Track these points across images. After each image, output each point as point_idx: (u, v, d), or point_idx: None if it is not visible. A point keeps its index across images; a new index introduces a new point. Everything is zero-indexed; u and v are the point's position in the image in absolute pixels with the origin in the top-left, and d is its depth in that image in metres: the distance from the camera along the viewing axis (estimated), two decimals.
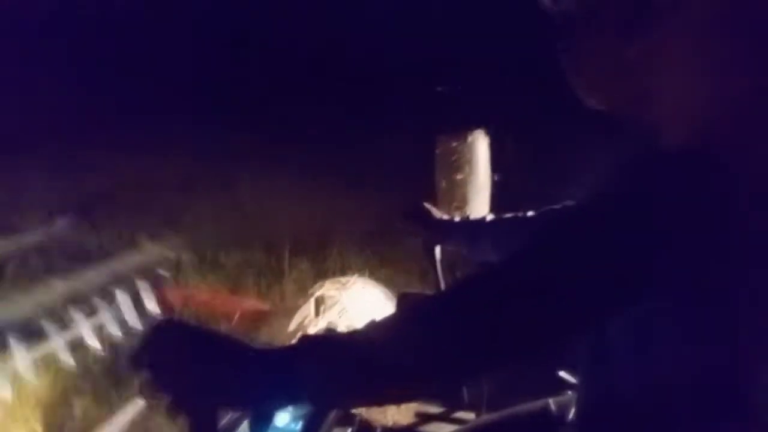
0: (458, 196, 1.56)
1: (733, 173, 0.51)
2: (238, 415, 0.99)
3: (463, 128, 1.58)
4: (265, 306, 2.76)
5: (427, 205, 1.38)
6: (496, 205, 1.55)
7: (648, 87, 0.56)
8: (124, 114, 4.98)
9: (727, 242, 0.54)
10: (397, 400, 0.78)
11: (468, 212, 1.54)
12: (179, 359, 0.72)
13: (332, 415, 0.91)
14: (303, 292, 2.33)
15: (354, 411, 1.01)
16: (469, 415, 1.22)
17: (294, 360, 0.70)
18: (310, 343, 0.72)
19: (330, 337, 0.74)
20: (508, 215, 1.30)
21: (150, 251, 3.21)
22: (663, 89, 0.54)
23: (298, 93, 4.59)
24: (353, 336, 0.74)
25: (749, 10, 0.48)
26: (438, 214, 1.37)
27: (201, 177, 4.35)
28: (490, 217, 1.34)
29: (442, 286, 1.36)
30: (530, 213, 1.25)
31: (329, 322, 1.84)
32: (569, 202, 1.18)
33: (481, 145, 1.57)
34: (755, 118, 0.50)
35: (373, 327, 0.74)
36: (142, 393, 0.71)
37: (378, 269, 2.84)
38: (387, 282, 2.09)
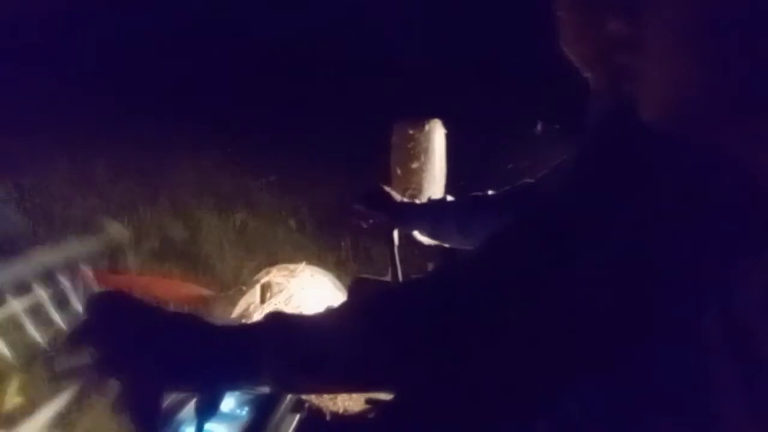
0: (413, 185, 1.55)
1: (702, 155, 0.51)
2: (180, 397, 0.95)
3: (420, 116, 1.57)
4: (206, 291, 2.68)
5: (387, 189, 1.36)
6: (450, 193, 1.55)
7: (630, 64, 0.55)
8: (58, 104, 4.74)
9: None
10: (355, 391, 0.75)
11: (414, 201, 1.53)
12: (126, 337, 0.67)
13: (286, 401, 0.88)
14: (247, 278, 2.27)
15: (304, 397, 0.98)
16: None
17: (256, 339, 0.67)
18: (274, 322, 0.68)
19: (294, 319, 0.70)
20: (470, 195, 1.30)
21: (86, 239, 3.07)
22: (644, 67, 0.53)
23: (247, 78, 4.48)
24: (316, 321, 0.71)
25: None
26: (398, 197, 1.35)
27: (142, 163, 4.20)
28: (450, 198, 1.33)
29: (398, 270, 1.34)
30: (491, 192, 1.26)
31: (275, 309, 1.80)
32: (529, 180, 1.19)
33: (437, 134, 1.57)
34: (734, 105, 0.50)
35: (335, 315, 0.72)
36: (81, 376, 0.65)
37: (327, 256, 2.80)
38: (336, 269, 2.06)
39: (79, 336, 0.66)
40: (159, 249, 3.30)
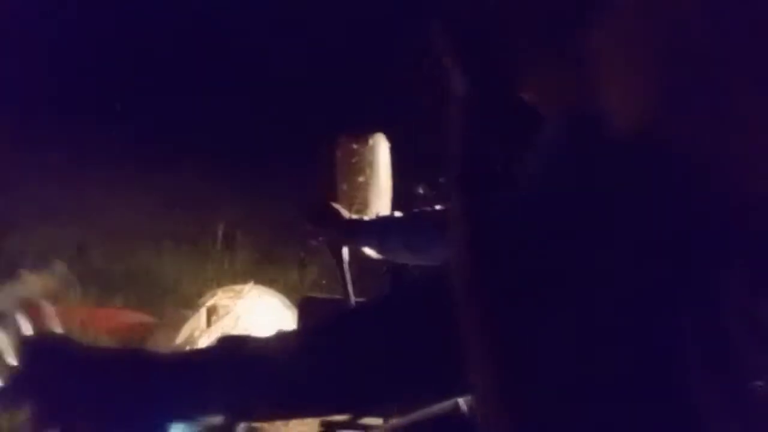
0: (359, 199, 1.54)
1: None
2: None
3: (364, 130, 1.56)
4: (148, 318, 2.58)
5: (335, 205, 1.34)
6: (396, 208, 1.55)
7: (592, 78, 0.55)
8: None
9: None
10: (309, 416, 0.73)
11: (369, 216, 1.52)
12: (64, 383, 0.62)
13: (237, 429, 0.85)
14: (192, 302, 2.20)
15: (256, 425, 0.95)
16: (376, 421, 1.18)
17: (205, 367, 0.64)
18: (223, 347, 0.65)
19: (245, 343, 0.68)
20: (416, 210, 1.29)
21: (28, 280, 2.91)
22: (608, 80, 0.54)
23: (186, 93, 4.39)
24: (268, 344, 0.68)
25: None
26: (346, 213, 1.34)
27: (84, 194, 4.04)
28: (398, 214, 1.33)
29: (350, 288, 1.32)
30: (438, 207, 1.26)
31: (222, 333, 1.74)
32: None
33: (382, 148, 1.56)
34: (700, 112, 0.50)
35: (287, 338, 0.70)
36: (23, 429, 0.61)
37: (273, 275, 2.75)
38: (283, 288, 2.02)
39: (14, 388, 0.61)
40: (103, 279, 3.17)
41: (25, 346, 0.64)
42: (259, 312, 1.82)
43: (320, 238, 1.37)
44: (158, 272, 3.31)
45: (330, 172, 1.56)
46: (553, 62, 0.73)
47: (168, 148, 3.96)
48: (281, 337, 0.71)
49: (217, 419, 0.66)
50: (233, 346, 0.67)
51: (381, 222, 1.33)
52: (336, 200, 1.54)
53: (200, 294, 2.24)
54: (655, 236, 0.51)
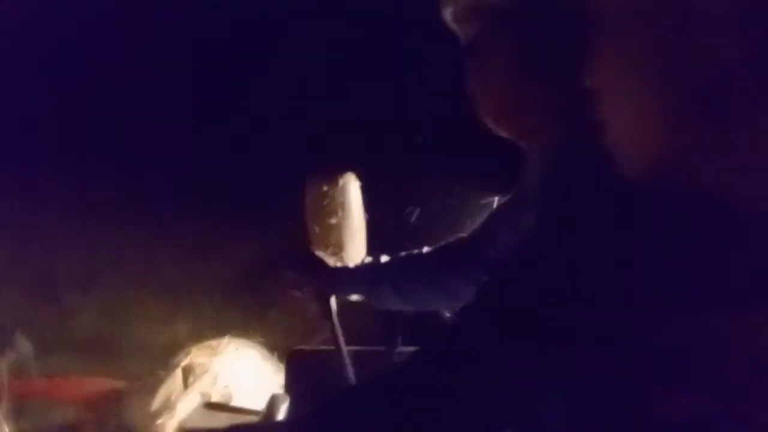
0: (333, 241, 1.50)
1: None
2: None
3: (333, 171, 1.54)
4: (119, 384, 2.46)
5: (319, 253, 1.30)
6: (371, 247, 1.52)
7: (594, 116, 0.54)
8: None
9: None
10: None
11: (345, 257, 1.49)
12: None
13: None
14: (164, 363, 2.11)
15: None
16: None
17: None
18: None
19: None
20: (404, 254, 1.26)
21: None
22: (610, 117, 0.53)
23: (149, 133, 4.27)
24: None
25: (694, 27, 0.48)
26: (331, 262, 1.29)
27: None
28: (384, 258, 1.29)
29: (341, 339, 1.27)
30: (426, 249, 1.23)
31: (201, 393, 1.66)
32: (462, 235, 1.18)
33: (352, 187, 1.54)
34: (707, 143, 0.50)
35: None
36: None
37: (248, 327, 2.67)
38: (265, 339, 1.95)
39: None
40: (69, 346, 3.02)
41: None
42: (239, 368, 1.75)
43: (304, 289, 1.31)
44: (120, 331, 3.18)
45: (300, 216, 1.52)
46: (550, 97, 0.73)
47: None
48: (284, 425, 0.70)
49: None
50: None
51: (368, 269, 1.29)
52: (308, 243, 1.50)
53: (172, 353, 2.15)
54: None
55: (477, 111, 0.88)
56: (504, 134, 0.88)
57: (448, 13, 0.86)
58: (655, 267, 0.52)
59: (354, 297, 1.28)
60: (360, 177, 1.53)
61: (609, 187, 0.56)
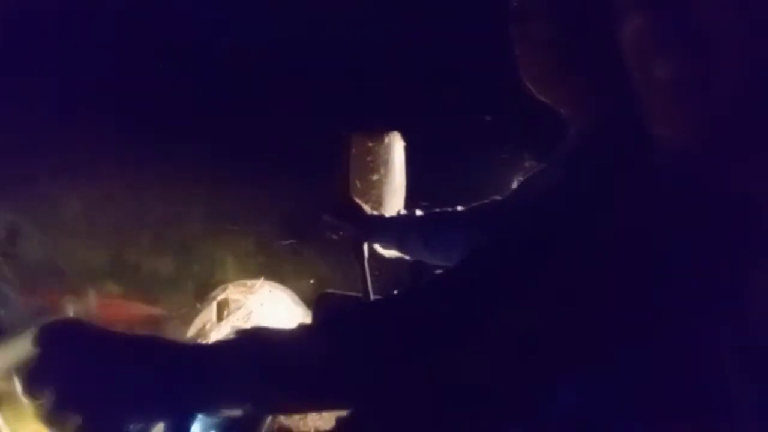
0: (373, 197, 1.54)
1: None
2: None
3: (379, 128, 1.57)
4: (157, 311, 2.59)
5: (358, 200, 1.35)
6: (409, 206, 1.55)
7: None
8: None
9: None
10: (330, 408, 0.73)
11: (383, 213, 1.53)
12: (85, 367, 0.62)
13: (258, 423, 0.85)
14: (202, 297, 2.21)
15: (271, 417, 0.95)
16: None
17: (229, 357, 0.64)
18: (246, 338, 0.66)
19: (268, 335, 0.68)
20: (437, 210, 1.30)
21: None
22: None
23: (198, 87, 4.37)
24: (291, 337, 0.69)
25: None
26: (368, 210, 1.34)
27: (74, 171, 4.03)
28: (419, 212, 1.33)
29: (369, 285, 1.33)
30: (459, 208, 1.26)
31: (234, 327, 1.75)
32: (496, 197, 1.20)
33: (397, 146, 1.57)
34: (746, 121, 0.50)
35: (309, 330, 0.70)
36: (44, 419, 0.61)
37: (282, 273, 2.76)
38: (293, 286, 2.02)
39: (35, 372, 0.61)
40: (109, 269, 3.18)
41: (43, 331, 0.64)
42: (271, 307, 1.83)
43: (340, 233, 1.37)
44: (161, 264, 3.31)
45: (344, 169, 1.56)
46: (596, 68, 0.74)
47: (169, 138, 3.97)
48: (303, 328, 0.72)
49: (239, 411, 0.67)
50: (255, 338, 0.68)
51: (402, 220, 1.34)
52: (348, 193, 1.54)
53: (209, 289, 2.25)
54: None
55: (522, 75, 0.90)
56: (546, 100, 0.90)
57: None
58: (680, 250, 0.53)
59: (385, 246, 1.33)
60: (404, 137, 1.56)
61: (641, 163, 0.57)
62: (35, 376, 0.61)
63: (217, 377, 0.64)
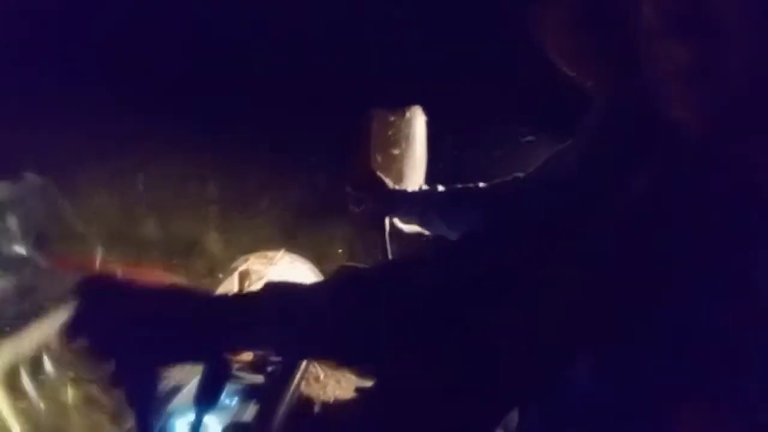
0: (394, 171, 1.55)
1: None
2: (171, 386, 0.94)
3: (400, 103, 1.56)
4: (181, 280, 2.64)
5: (380, 174, 1.36)
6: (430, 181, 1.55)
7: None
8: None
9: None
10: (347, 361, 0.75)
11: (403, 188, 1.53)
12: (121, 315, 0.66)
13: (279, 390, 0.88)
14: (223, 267, 2.24)
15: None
16: None
17: (253, 304, 0.67)
18: (269, 289, 0.69)
19: (289, 287, 0.71)
20: (459, 186, 1.31)
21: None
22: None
23: (221, 65, 4.39)
24: (311, 288, 0.71)
25: None
26: (390, 183, 1.35)
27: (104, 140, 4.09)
28: (441, 188, 1.34)
29: (390, 259, 1.35)
30: (481, 184, 1.27)
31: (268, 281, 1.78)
32: (518, 174, 1.20)
33: (418, 121, 1.56)
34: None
35: (328, 283, 0.72)
36: (81, 367, 0.65)
37: (304, 245, 2.79)
38: (314, 259, 2.05)
39: (77, 323, 0.65)
40: (133, 239, 3.24)
41: (80, 285, 0.68)
42: (291, 278, 1.85)
43: (362, 206, 1.39)
44: (184, 235, 3.37)
45: (365, 144, 1.57)
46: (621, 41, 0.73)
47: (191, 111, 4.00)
48: (323, 282, 0.74)
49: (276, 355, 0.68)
50: (278, 289, 0.70)
51: (423, 195, 1.35)
52: (370, 167, 1.55)
53: (230, 258, 2.28)
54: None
55: (546, 49, 0.89)
56: (572, 73, 0.89)
57: None
58: (700, 232, 0.53)
59: (406, 221, 1.34)
60: (427, 112, 1.56)
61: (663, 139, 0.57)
62: (75, 325, 0.65)
63: (242, 323, 0.67)
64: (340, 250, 2.81)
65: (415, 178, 1.54)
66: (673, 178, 0.56)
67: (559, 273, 0.61)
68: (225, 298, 0.73)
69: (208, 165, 3.81)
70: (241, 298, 0.74)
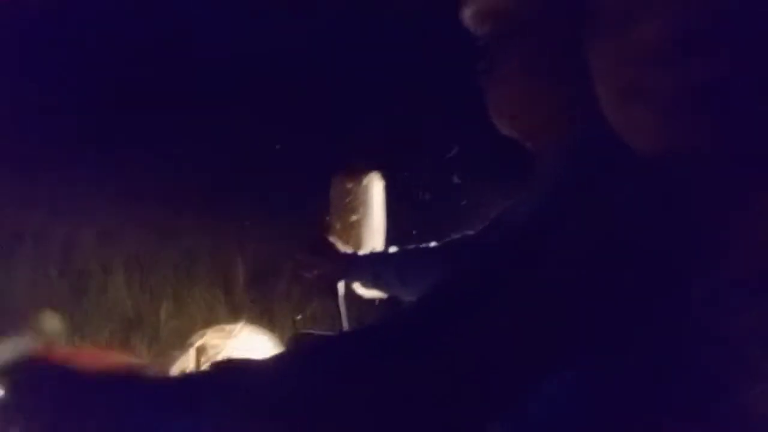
0: (352, 238, 1.54)
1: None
2: None
3: (358, 169, 1.58)
4: (135, 359, 2.53)
5: (331, 239, 1.35)
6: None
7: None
8: None
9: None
10: None
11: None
12: (55, 403, 0.62)
13: None
14: (180, 343, 2.16)
15: None
16: None
17: (196, 385, 0.64)
18: (215, 368, 0.65)
19: (236, 365, 0.68)
20: (412, 246, 1.31)
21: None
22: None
23: (179, 121, 4.38)
24: (258, 366, 0.68)
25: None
26: (343, 248, 1.34)
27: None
28: (393, 249, 1.34)
29: (345, 324, 1.32)
30: (433, 244, 1.27)
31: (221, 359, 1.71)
32: (469, 232, 1.21)
33: (376, 187, 1.58)
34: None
35: (277, 359, 0.69)
36: None
37: (261, 316, 2.72)
38: (272, 329, 2.00)
39: (8, 412, 0.61)
40: (90, 317, 3.11)
41: (14, 374, 0.64)
42: (251, 352, 1.79)
43: (315, 272, 1.37)
44: (135, 309, 3.26)
45: (323, 211, 1.57)
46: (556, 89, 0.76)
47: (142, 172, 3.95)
48: (271, 358, 0.71)
49: None
50: (224, 368, 0.67)
51: (376, 256, 1.34)
52: (325, 233, 1.55)
53: (187, 335, 2.20)
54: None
55: (489, 110, 0.91)
56: (513, 133, 0.91)
57: (466, 16, 0.91)
58: (670, 248, 0.53)
59: (363, 284, 1.33)
60: (384, 176, 1.57)
61: (622, 172, 0.58)
62: (8, 410, 0.61)
63: (183, 405, 0.63)
64: (299, 317, 2.75)
65: (374, 243, 1.54)
66: (636, 208, 0.56)
67: (526, 302, 0.60)
68: (163, 382, 0.68)
69: (159, 237, 3.74)
70: (181, 380, 0.70)
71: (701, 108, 0.51)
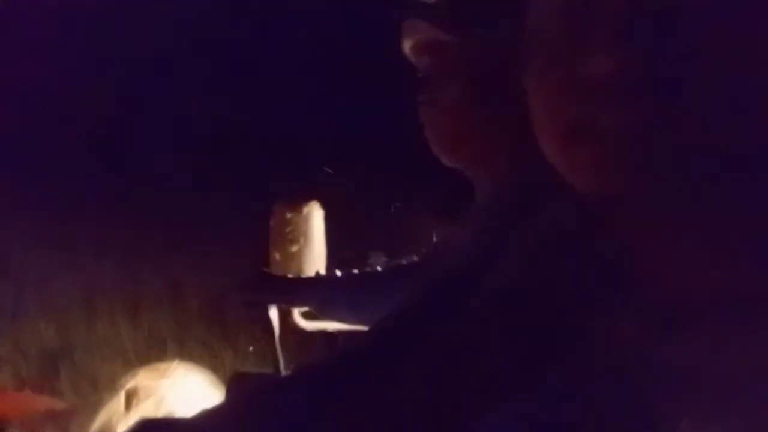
0: (293, 269, 1.50)
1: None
2: None
3: (298, 199, 1.54)
4: (60, 404, 2.37)
5: (266, 270, 1.31)
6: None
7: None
8: None
9: None
10: None
11: None
12: None
13: None
14: (110, 385, 2.04)
15: None
16: None
17: None
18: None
19: (163, 426, 0.62)
20: (357, 272, 1.28)
21: None
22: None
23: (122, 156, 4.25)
24: (188, 425, 0.63)
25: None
26: (281, 273, 1.30)
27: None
28: (339, 273, 1.31)
29: (281, 359, 1.27)
30: (379, 268, 1.25)
31: (143, 417, 1.60)
32: (414, 258, 1.20)
33: (316, 216, 1.54)
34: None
35: (210, 416, 0.65)
36: None
37: (200, 353, 2.61)
38: (210, 367, 1.91)
39: None
40: (17, 360, 2.91)
41: None
42: (185, 393, 1.70)
43: (253, 305, 1.32)
44: (63, 348, 3.09)
45: (263, 242, 1.53)
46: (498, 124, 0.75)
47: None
48: (203, 415, 0.67)
49: None
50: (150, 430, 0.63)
51: (322, 281, 1.31)
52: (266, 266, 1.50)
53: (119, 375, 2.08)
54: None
55: (427, 140, 0.92)
56: (452, 164, 0.92)
57: (406, 47, 0.92)
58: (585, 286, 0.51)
59: (298, 317, 1.29)
60: (324, 205, 1.54)
61: (563, 214, 0.56)
62: None
63: None
64: (251, 348, 2.66)
65: (314, 273, 1.50)
66: (563, 244, 0.54)
67: (454, 347, 0.58)
68: None
69: (92, 276, 3.58)
70: None
71: (653, 148, 0.49)
